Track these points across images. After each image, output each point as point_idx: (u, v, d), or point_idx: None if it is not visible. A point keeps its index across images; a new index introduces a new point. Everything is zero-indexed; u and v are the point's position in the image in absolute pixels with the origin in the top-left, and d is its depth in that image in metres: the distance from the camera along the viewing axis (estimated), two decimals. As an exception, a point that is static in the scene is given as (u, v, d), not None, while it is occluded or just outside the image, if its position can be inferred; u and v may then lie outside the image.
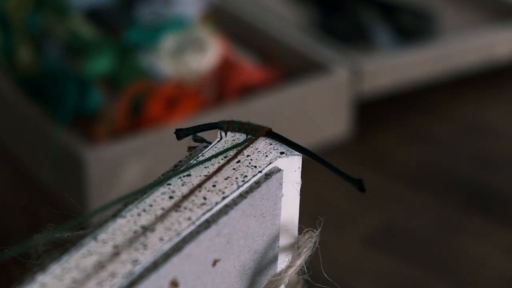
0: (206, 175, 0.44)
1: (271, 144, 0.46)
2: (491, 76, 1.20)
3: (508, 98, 1.18)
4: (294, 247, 0.45)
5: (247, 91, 1.04)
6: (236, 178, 0.43)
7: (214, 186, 0.43)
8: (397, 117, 1.13)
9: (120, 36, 1.06)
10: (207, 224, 0.41)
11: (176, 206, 0.42)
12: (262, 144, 0.46)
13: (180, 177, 0.43)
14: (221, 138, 0.46)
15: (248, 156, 0.45)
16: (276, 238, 0.46)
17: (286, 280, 0.44)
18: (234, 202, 0.42)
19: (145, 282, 0.38)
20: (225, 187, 0.43)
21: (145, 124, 0.98)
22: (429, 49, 1.14)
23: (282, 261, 0.46)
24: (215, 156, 0.45)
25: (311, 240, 0.45)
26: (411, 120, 1.13)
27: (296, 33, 1.15)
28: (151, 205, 0.42)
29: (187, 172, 0.44)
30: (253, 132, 0.46)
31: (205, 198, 0.42)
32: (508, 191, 1.00)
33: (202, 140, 0.47)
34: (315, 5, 1.24)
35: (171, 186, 0.43)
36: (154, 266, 0.38)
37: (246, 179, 0.43)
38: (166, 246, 0.39)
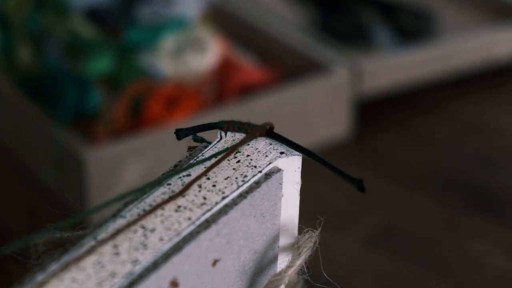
0: (206, 175, 0.44)
1: (271, 144, 0.46)
2: (491, 76, 1.20)
3: (508, 98, 1.18)
4: (294, 247, 0.45)
5: (247, 91, 1.04)
6: (236, 178, 0.43)
7: (214, 186, 0.43)
8: (397, 117, 1.13)
9: (120, 36, 1.06)
10: (207, 224, 0.41)
11: (174, 204, 0.42)
12: (262, 144, 0.46)
13: (180, 177, 0.43)
14: (221, 138, 0.46)
15: (248, 156, 0.45)
16: (276, 238, 0.46)
17: (286, 280, 0.44)
18: (234, 202, 0.42)
19: (145, 282, 0.38)
20: (225, 187, 0.43)
21: (145, 124, 0.98)
22: (429, 49, 1.14)
23: (282, 261, 0.46)
24: (215, 155, 0.45)
25: (311, 240, 0.45)
26: (411, 120, 1.13)
27: (296, 33, 1.15)
28: (151, 205, 0.42)
29: (187, 172, 0.44)
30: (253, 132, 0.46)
31: (205, 198, 0.42)
32: (508, 191, 1.00)
33: (202, 140, 0.47)
34: (315, 5, 1.24)
35: (171, 186, 0.43)
36: (154, 266, 0.38)
37: (246, 179, 0.43)
38: (166, 246, 0.39)
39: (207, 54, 1.04)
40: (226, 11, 1.20)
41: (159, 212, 0.41)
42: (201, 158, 0.45)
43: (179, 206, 0.42)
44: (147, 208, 0.41)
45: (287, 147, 0.46)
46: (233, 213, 0.42)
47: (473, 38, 1.17)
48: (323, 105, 1.05)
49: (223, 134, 0.47)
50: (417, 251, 0.91)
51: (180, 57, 1.03)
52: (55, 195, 0.95)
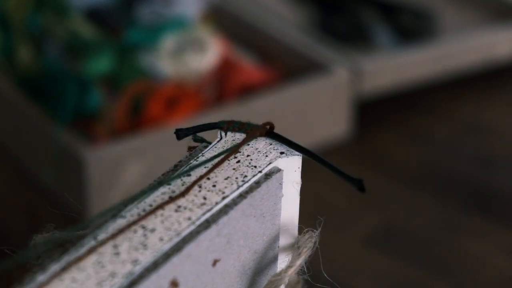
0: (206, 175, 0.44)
1: (271, 144, 0.46)
2: (491, 76, 1.20)
3: (508, 98, 1.18)
4: (294, 247, 0.45)
5: (247, 91, 1.04)
6: (236, 178, 0.43)
7: (214, 186, 0.43)
8: (397, 117, 1.13)
9: (120, 36, 1.06)
10: (207, 224, 0.41)
11: (175, 205, 0.42)
12: (262, 144, 0.46)
13: (180, 177, 0.43)
14: (221, 138, 0.46)
15: (248, 156, 0.45)
16: (276, 238, 0.46)
17: (286, 280, 0.44)
18: (234, 202, 0.42)
19: (145, 282, 0.38)
20: (225, 187, 0.43)
21: (145, 124, 0.98)
22: (429, 49, 1.14)
23: (282, 261, 0.46)
24: (217, 156, 0.45)
25: (311, 240, 0.45)
26: (411, 120, 1.13)
27: (296, 33, 1.15)
28: (151, 205, 0.42)
29: (188, 172, 0.44)
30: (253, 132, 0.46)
31: (205, 198, 0.42)
32: (508, 191, 1.00)
33: (202, 140, 0.47)
34: (315, 5, 1.24)
35: (171, 186, 0.43)
36: (154, 266, 0.38)
37: (246, 179, 0.43)
38: (166, 246, 0.39)
39: (207, 54, 1.04)
40: (226, 11, 1.20)
41: (159, 212, 0.41)
42: (201, 158, 0.45)
43: (179, 206, 0.42)
44: (147, 208, 0.41)
45: (287, 147, 0.46)
46: (233, 213, 0.42)
47: (473, 38, 1.17)
48: (323, 105, 1.05)
49: (223, 134, 0.46)
50: (417, 251, 0.91)
51: (180, 57, 1.03)
52: (55, 195, 0.95)
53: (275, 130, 0.46)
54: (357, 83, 1.08)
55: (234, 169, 0.44)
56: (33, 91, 1.02)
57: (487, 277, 0.88)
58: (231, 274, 0.43)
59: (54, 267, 0.38)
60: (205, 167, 0.44)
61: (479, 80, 1.19)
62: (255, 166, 0.44)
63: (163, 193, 0.42)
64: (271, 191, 0.44)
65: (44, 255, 0.40)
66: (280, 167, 0.45)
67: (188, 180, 0.43)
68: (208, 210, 0.41)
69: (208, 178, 0.43)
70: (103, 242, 0.39)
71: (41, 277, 0.37)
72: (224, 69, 1.06)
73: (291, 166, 0.45)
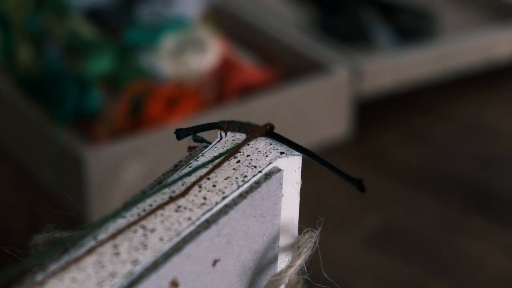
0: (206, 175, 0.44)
1: (271, 144, 0.46)
2: (491, 76, 1.20)
3: (508, 98, 1.18)
4: (294, 247, 0.45)
5: (247, 91, 1.04)
6: (236, 178, 0.43)
7: (214, 186, 0.43)
8: (397, 117, 1.13)
9: (120, 36, 1.06)
10: (207, 224, 0.41)
11: (175, 205, 0.42)
12: (262, 144, 0.46)
13: (180, 178, 0.43)
14: (221, 138, 0.46)
15: (248, 156, 0.45)
16: (276, 238, 0.46)
17: (286, 280, 0.44)
18: (234, 202, 0.42)
19: (145, 282, 0.38)
20: (225, 187, 0.43)
21: (145, 124, 0.98)
22: (429, 49, 1.14)
23: (282, 261, 0.46)
24: (218, 157, 0.44)
25: (311, 240, 0.45)
26: (411, 120, 1.13)
27: (296, 33, 1.15)
28: (151, 205, 0.42)
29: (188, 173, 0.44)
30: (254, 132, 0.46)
31: (205, 198, 0.42)
32: (508, 191, 1.00)
33: (202, 140, 0.47)
34: (315, 5, 1.24)
35: (171, 186, 0.43)
36: (154, 266, 0.38)
37: (246, 179, 0.43)
38: (166, 246, 0.39)
39: (207, 54, 1.04)
40: (226, 11, 1.20)
41: (159, 212, 0.41)
42: (201, 158, 0.45)
43: (179, 206, 0.42)
44: (147, 208, 0.41)
45: (287, 147, 0.46)
46: (233, 213, 0.42)
47: (473, 38, 1.17)
48: (323, 105, 1.05)
49: (223, 134, 0.46)
50: (417, 251, 0.91)
51: (180, 57, 1.03)
52: (55, 195, 0.95)
53: (275, 130, 0.46)
54: (357, 83, 1.08)
55: (234, 169, 0.44)
56: (33, 91, 1.02)
57: (487, 277, 0.88)
58: (231, 274, 0.43)
59: (54, 267, 0.38)
60: (205, 167, 0.44)
61: (479, 80, 1.19)
62: (255, 166, 0.44)
63: (163, 193, 0.42)
64: (271, 191, 0.44)
65: (44, 255, 0.40)
66: (280, 167, 0.45)
67: (188, 180, 0.43)
68: (208, 210, 0.41)
69: (208, 178, 0.43)
70: (103, 242, 0.39)
71: (41, 277, 0.37)
72: (224, 69, 1.06)
73: (291, 166, 0.45)
